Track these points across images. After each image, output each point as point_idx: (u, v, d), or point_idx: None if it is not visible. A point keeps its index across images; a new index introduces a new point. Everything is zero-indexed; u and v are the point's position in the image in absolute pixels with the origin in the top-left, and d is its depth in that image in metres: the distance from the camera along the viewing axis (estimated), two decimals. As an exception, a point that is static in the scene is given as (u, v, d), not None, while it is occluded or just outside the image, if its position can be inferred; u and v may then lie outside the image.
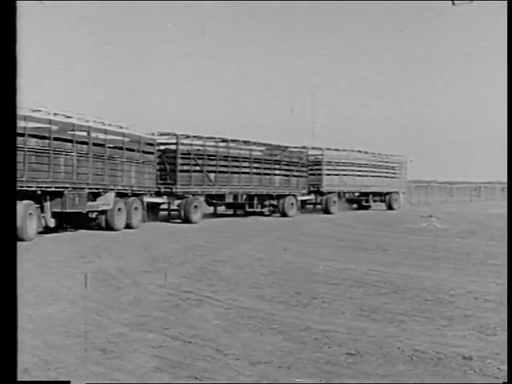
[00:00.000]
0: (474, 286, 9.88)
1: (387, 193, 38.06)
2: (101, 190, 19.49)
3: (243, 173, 27.38)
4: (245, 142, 27.73)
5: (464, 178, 57.54)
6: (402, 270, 11.69)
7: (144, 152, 22.12)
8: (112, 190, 19.89)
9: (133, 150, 21.38)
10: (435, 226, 23.32)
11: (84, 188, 18.53)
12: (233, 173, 26.85)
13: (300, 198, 30.81)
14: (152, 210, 22.89)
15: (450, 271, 11.58)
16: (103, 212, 19.57)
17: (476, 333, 6.79)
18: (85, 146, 18.78)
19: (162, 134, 24.26)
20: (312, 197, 32.74)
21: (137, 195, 21.51)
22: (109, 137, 20.05)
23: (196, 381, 5.19)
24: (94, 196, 19.44)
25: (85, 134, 18.90)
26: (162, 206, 24.70)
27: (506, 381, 4.77)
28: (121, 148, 20.71)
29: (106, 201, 19.50)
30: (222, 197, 27.71)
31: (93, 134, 19.20)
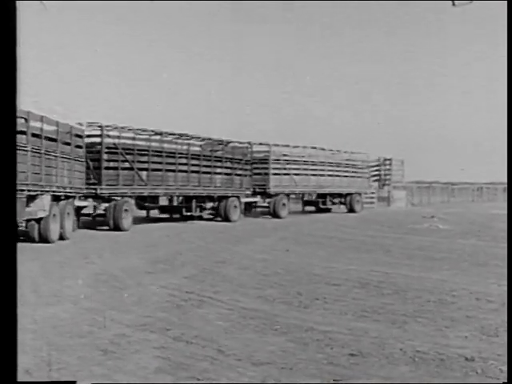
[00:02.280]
0: (476, 286, 9.87)
1: (348, 194, 34.50)
2: (38, 193, 15.72)
3: (180, 171, 23.74)
4: (181, 135, 24.19)
5: (466, 178, 57.52)
6: (404, 270, 11.68)
7: (75, 146, 18.63)
8: (47, 192, 16.21)
9: (65, 143, 17.85)
10: (437, 227, 23.30)
11: (24, 190, 14.86)
12: (168, 171, 23.17)
13: (244, 199, 27.51)
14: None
15: (452, 272, 11.56)
16: (37, 220, 15.77)
17: (478, 334, 6.78)
18: (23, 136, 15.04)
19: (90, 125, 20.54)
20: (258, 199, 29.13)
21: (68, 198, 17.97)
22: (44, 126, 16.41)
23: (198, 381, 5.18)
24: (28, 200, 15.43)
25: (23, 121, 15.02)
26: (85, 211, 20.45)
27: (506, 381, 4.76)
28: (55, 140, 17.04)
29: (42, 206, 15.84)
30: (155, 199, 24.02)
31: (31, 123, 15.51)
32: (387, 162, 45.96)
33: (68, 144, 17.99)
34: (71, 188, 18.18)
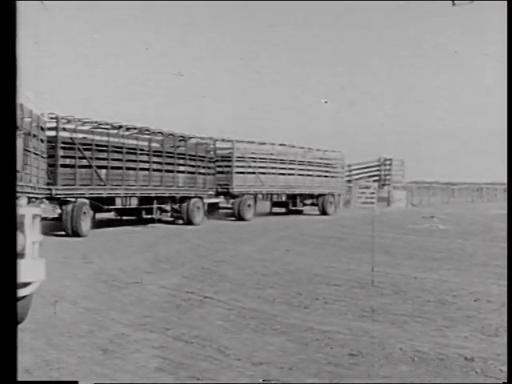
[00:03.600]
0: (476, 287, 9.87)
1: (320, 195, 31.95)
2: (19, 195, 13.64)
3: (141, 169, 21.40)
4: (141, 129, 21.81)
5: (466, 178, 57.50)
6: (404, 270, 11.68)
7: (39, 140, 16.58)
8: (24, 193, 14.38)
9: (34, 137, 15.89)
10: (437, 227, 23.30)
11: None
12: (128, 169, 20.80)
13: (207, 200, 25.03)
14: None
15: (452, 272, 11.57)
16: None
17: (478, 334, 6.78)
18: None
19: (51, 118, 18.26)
20: (221, 199, 26.85)
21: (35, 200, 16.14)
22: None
23: (198, 381, 5.18)
24: None
25: None
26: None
27: (506, 381, 4.76)
28: (28, 133, 14.98)
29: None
30: (112, 200, 20.90)
31: None
32: (387, 162, 46.02)
33: (35, 137, 16.08)
34: (39, 188, 16.32)
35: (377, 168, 46.18)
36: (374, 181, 45.05)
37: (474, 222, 27.12)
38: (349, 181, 44.22)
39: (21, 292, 5.81)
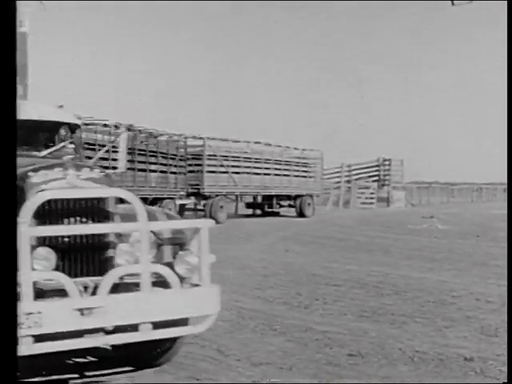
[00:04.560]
0: (476, 287, 9.87)
1: (297, 196, 30.22)
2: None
3: (114, 168, 20.36)
4: (113, 125, 20.55)
5: (465, 178, 57.59)
6: (404, 271, 11.68)
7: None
8: None
9: None
10: (437, 227, 23.29)
11: None
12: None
13: (178, 201, 23.57)
14: None
15: (452, 272, 11.56)
16: None
17: (477, 334, 6.78)
18: None
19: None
20: (191, 200, 25.22)
21: None
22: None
23: (197, 381, 5.18)
24: None
25: None
26: None
27: (506, 381, 4.76)
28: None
29: None
30: None
31: None
32: (386, 163, 46.02)
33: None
34: None
35: (376, 168, 46.20)
36: (374, 181, 45.07)
37: (473, 222, 27.10)
38: (348, 181, 44.28)
39: (196, 329, 4.90)
